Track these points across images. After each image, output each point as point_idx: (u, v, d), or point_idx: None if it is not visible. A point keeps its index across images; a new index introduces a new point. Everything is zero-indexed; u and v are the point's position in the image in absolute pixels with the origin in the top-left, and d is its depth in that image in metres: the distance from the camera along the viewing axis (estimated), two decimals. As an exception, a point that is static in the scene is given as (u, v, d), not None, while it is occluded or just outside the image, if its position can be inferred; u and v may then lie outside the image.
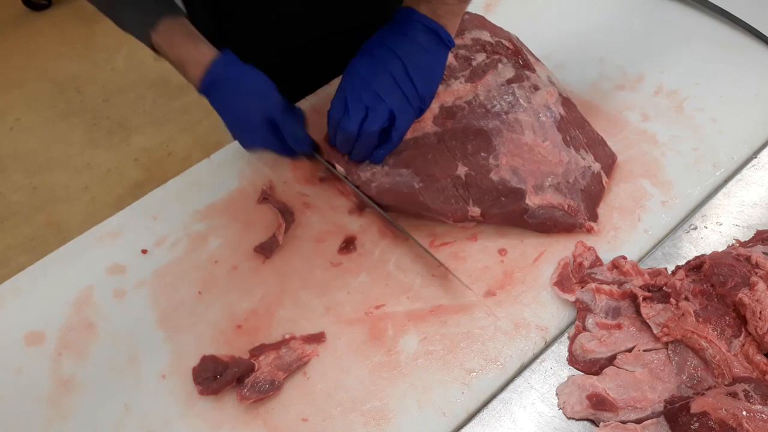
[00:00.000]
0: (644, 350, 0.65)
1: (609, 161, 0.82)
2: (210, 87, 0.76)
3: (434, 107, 0.77)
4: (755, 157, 0.83)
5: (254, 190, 0.85)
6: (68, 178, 2.16)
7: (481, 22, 0.87)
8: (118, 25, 0.78)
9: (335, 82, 0.97)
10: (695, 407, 0.57)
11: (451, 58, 0.80)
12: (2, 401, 0.70)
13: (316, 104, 0.94)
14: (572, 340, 0.68)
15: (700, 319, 0.63)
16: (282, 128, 0.76)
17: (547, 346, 0.69)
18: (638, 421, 0.61)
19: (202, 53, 0.76)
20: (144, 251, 0.80)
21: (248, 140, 0.80)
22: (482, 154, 0.75)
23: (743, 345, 0.62)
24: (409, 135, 0.77)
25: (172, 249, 0.80)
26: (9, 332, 0.75)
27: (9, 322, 0.75)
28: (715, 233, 0.76)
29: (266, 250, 0.78)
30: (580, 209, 0.76)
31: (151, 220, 0.83)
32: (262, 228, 0.81)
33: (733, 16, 0.99)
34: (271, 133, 0.76)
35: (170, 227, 0.82)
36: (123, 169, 2.14)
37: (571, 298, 0.70)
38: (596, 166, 0.79)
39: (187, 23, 0.78)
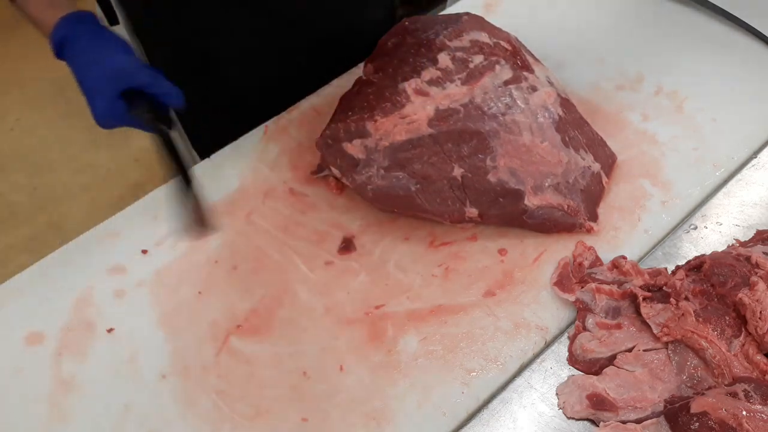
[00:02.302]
0: (644, 350, 0.65)
1: (609, 161, 0.82)
2: (59, 50, 0.70)
3: (429, 109, 0.76)
4: (755, 157, 0.83)
5: (254, 190, 0.85)
6: (68, 178, 2.16)
7: (480, 24, 0.87)
8: None
9: (336, 82, 0.97)
10: (695, 407, 0.57)
11: (447, 61, 0.80)
12: (2, 401, 0.69)
13: (316, 104, 0.94)
14: (572, 340, 0.68)
15: (700, 319, 0.63)
16: (148, 88, 0.69)
17: (547, 345, 0.69)
18: (638, 421, 0.61)
19: (52, 13, 0.70)
20: (144, 251, 0.80)
21: (99, 114, 0.69)
22: (479, 155, 0.75)
23: (743, 345, 0.62)
24: (403, 136, 0.76)
25: (172, 249, 0.80)
26: (9, 332, 0.75)
27: (9, 322, 0.75)
28: (715, 233, 0.76)
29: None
30: (579, 209, 0.76)
31: (152, 220, 0.83)
32: (263, 228, 0.81)
33: (733, 16, 0.99)
34: (121, 103, 0.68)
35: (170, 227, 0.82)
36: (123, 169, 2.14)
37: (571, 298, 0.70)
38: (596, 166, 0.79)
39: None
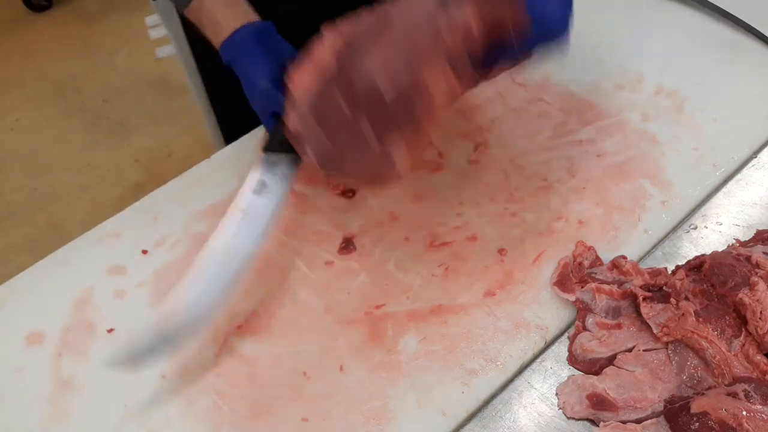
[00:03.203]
0: (644, 350, 0.65)
1: None
2: (229, 62, 0.74)
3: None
4: (755, 157, 0.83)
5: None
6: (68, 178, 2.16)
7: None
8: None
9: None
10: (695, 407, 0.57)
11: None
12: (2, 401, 0.70)
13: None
14: (572, 339, 0.68)
15: (700, 319, 0.63)
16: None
17: (547, 346, 0.69)
18: (638, 421, 0.61)
19: (221, 30, 0.73)
20: (144, 251, 0.80)
21: (266, 125, 0.75)
22: None
23: (743, 345, 0.62)
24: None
25: (172, 249, 0.80)
26: (9, 332, 0.75)
27: (9, 323, 0.75)
28: (715, 233, 0.76)
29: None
30: None
31: (152, 221, 0.83)
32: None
33: (734, 16, 0.99)
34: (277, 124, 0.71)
35: (171, 228, 0.82)
36: (123, 170, 2.14)
37: (571, 297, 0.70)
38: None
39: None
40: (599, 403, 0.62)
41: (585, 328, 0.68)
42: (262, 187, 0.71)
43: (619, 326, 0.67)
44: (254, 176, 0.72)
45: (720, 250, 0.72)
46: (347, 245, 0.78)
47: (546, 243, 0.77)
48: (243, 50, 0.73)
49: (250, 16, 0.75)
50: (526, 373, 0.67)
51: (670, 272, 0.70)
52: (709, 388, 0.61)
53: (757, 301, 0.61)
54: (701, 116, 0.88)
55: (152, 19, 1.58)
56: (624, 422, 0.61)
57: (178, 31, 1.02)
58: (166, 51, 1.54)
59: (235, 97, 1.03)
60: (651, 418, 0.60)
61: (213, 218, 0.83)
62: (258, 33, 0.74)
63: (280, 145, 0.71)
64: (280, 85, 0.70)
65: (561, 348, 0.68)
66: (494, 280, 0.74)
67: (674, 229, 0.77)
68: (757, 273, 0.64)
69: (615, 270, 0.72)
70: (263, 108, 0.73)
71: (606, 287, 0.69)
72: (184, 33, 0.99)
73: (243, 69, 0.73)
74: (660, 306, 0.66)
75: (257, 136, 0.91)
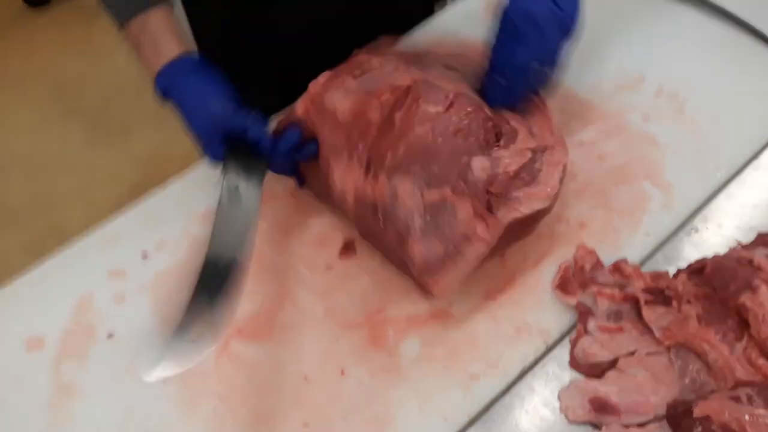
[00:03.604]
0: (646, 354, 0.64)
1: None
2: (164, 100, 0.73)
3: None
4: (756, 159, 0.83)
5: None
6: (68, 178, 2.15)
7: None
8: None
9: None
10: (698, 411, 0.57)
11: None
12: (2, 406, 0.69)
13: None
14: (574, 343, 0.68)
15: (703, 323, 0.62)
16: (243, 134, 0.71)
17: (549, 349, 0.69)
18: (641, 425, 0.60)
19: (160, 56, 0.72)
20: (144, 255, 0.80)
21: (207, 156, 0.74)
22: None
23: (746, 349, 0.61)
24: None
25: (172, 252, 0.80)
26: (9, 337, 0.74)
27: (9, 327, 0.75)
28: (716, 235, 0.76)
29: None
30: None
31: (152, 224, 0.83)
32: (263, 231, 0.81)
33: (735, 16, 0.99)
34: (221, 148, 0.72)
35: (171, 231, 0.82)
36: (123, 171, 2.14)
37: (573, 301, 0.70)
38: None
39: (160, 19, 0.74)
40: (601, 407, 0.62)
41: (587, 332, 0.67)
42: (235, 193, 0.71)
43: (620, 330, 0.67)
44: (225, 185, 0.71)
45: (721, 252, 0.72)
46: (348, 249, 0.78)
47: (547, 246, 0.76)
48: (192, 74, 0.73)
49: (191, 47, 0.76)
50: (528, 378, 0.67)
51: (671, 275, 0.70)
52: (712, 392, 0.61)
53: (760, 304, 0.61)
54: (702, 117, 0.87)
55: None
56: (626, 426, 0.61)
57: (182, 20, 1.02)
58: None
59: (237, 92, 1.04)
60: (653, 422, 0.60)
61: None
62: (200, 62, 0.75)
63: (239, 161, 0.72)
64: (233, 105, 0.72)
65: (563, 352, 0.68)
66: (495, 283, 0.74)
67: (675, 232, 0.77)
68: (759, 276, 0.64)
69: (616, 273, 0.71)
70: (217, 128, 0.71)
71: (607, 291, 0.69)
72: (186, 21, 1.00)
73: (194, 91, 0.73)
74: (662, 309, 0.65)
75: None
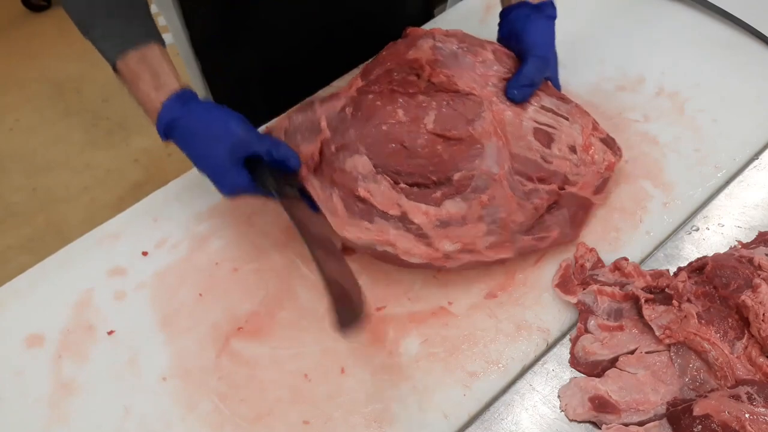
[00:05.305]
0: (646, 352, 0.64)
1: None
2: (168, 133, 0.71)
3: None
4: (757, 158, 0.83)
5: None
6: (68, 178, 2.15)
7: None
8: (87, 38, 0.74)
9: (336, 83, 0.96)
10: (698, 410, 0.57)
11: None
12: (2, 403, 0.69)
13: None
14: (574, 342, 0.68)
15: (703, 321, 0.62)
16: (267, 155, 0.71)
17: (549, 348, 0.69)
18: (641, 424, 0.60)
19: (156, 96, 0.70)
20: (144, 253, 0.80)
21: (225, 186, 0.71)
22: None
23: (746, 347, 0.62)
24: None
25: (172, 251, 0.80)
26: (9, 334, 0.74)
27: (9, 325, 0.75)
28: (716, 234, 0.76)
29: None
30: None
31: (152, 222, 0.83)
32: (264, 229, 0.81)
33: (734, 16, 0.99)
34: (245, 173, 0.70)
35: (171, 229, 0.82)
36: (123, 170, 2.14)
37: (573, 299, 0.70)
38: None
39: (157, 54, 0.72)
40: (601, 405, 0.62)
41: (587, 330, 0.67)
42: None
43: (621, 328, 0.67)
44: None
45: (722, 251, 0.72)
46: (348, 247, 0.78)
47: (547, 244, 0.76)
48: (201, 103, 0.72)
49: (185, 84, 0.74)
50: (528, 376, 0.67)
51: (671, 274, 0.70)
52: (712, 390, 0.61)
53: (760, 303, 0.61)
54: (702, 117, 0.88)
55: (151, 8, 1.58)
56: (626, 425, 0.60)
57: (176, 21, 1.02)
58: (165, 39, 1.55)
59: (236, 93, 1.04)
60: (653, 420, 0.60)
61: (214, 219, 0.83)
62: (190, 95, 0.72)
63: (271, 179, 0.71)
64: (253, 129, 0.71)
65: (563, 350, 0.68)
66: (496, 281, 0.74)
67: (676, 231, 0.77)
68: (759, 275, 0.64)
69: (617, 272, 0.71)
70: (238, 153, 0.70)
71: (608, 289, 0.69)
72: (183, 24, 0.99)
73: (208, 119, 0.71)
74: (662, 308, 0.65)
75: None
